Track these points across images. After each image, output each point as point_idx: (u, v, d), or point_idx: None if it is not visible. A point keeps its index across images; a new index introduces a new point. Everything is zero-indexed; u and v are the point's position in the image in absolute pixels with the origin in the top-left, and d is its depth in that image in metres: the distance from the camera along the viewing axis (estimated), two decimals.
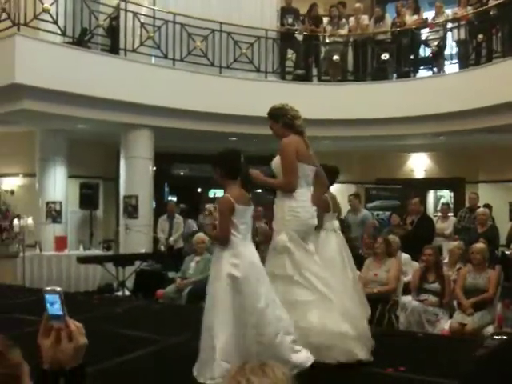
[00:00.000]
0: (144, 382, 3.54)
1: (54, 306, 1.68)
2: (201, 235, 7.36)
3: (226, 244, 3.40)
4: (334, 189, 12.85)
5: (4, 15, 8.05)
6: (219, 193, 13.63)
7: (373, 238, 6.76)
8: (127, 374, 3.62)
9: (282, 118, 3.96)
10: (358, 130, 9.93)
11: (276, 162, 3.84)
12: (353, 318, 3.66)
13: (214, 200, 11.49)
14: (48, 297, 1.70)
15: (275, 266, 3.61)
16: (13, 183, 11.12)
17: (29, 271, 8.84)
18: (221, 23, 9.56)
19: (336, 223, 4.53)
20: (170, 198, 12.73)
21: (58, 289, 1.64)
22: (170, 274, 7.90)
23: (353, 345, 3.58)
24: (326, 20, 10.80)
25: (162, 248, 9.39)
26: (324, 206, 4.26)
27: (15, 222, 8.72)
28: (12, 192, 10.55)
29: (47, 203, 10.47)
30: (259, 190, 9.06)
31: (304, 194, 3.69)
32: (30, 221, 8.69)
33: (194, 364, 3.45)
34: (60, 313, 1.67)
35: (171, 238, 9.48)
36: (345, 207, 9.07)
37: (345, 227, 7.99)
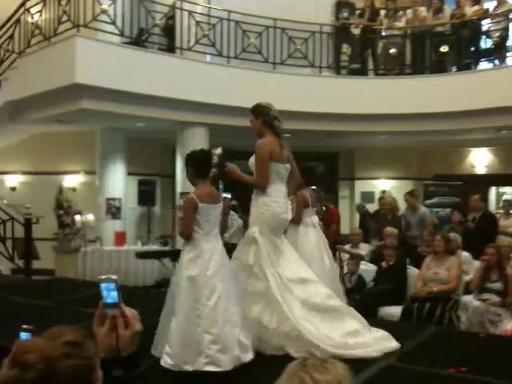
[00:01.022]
0: (195, 376, 3.56)
1: (110, 294, 1.70)
2: None
3: (189, 239, 3.68)
4: (391, 185, 12.72)
5: (64, 17, 8.33)
6: None
7: (432, 235, 6.57)
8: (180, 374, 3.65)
9: (263, 116, 4.16)
10: (416, 125, 9.68)
11: (251, 161, 4.07)
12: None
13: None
14: (103, 285, 1.73)
15: (241, 254, 3.88)
16: (74, 180, 11.51)
17: (90, 265, 9.13)
18: (275, 19, 9.53)
19: (315, 218, 4.66)
20: (224, 194, 12.83)
21: (114, 277, 1.66)
22: None
23: (283, 343, 3.67)
24: (382, 13, 10.59)
25: None
26: (303, 201, 4.56)
27: (77, 217, 9.01)
28: (74, 189, 10.93)
29: (107, 200, 10.78)
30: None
31: (277, 190, 3.90)
32: (90, 217, 8.96)
33: (249, 364, 3.55)
34: (115, 300, 1.70)
35: (226, 234, 9.54)
36: (402, 204, 8.89)
37: (404, 225, 7.83)
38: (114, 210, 10.79)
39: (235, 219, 9.86)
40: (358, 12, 10.59)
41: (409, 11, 10.32)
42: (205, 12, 9.48)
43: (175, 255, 8.50)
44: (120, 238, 9.99)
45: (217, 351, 3.41)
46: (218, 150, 4.23)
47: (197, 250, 3.65)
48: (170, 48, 9.30)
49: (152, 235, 11.11)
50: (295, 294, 3.79)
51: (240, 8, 9.41)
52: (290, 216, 3.99)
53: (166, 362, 3.43)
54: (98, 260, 9.46)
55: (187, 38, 9.09)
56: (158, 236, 11.19)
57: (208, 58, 9.66)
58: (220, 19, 9.31)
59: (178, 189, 9.75)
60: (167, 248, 10.10)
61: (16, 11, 9.24)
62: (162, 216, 12.07)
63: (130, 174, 11.19)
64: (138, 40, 8.88)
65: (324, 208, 10.61)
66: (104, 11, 8.18)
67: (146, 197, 11.21)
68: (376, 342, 3.83)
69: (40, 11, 8.93)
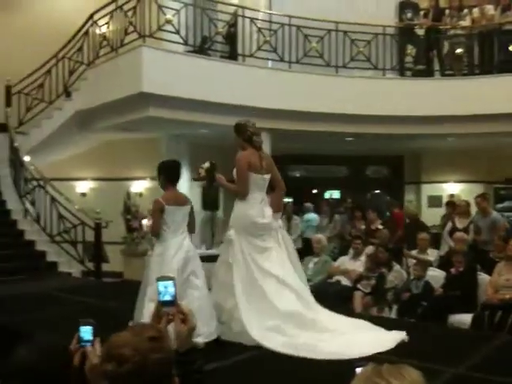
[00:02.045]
0: (256, 381, 3.56)
1: (167, 293, 1.78)
2: (317, 235, 7.32)
3: (157, 236, 4.28)
4: (459, 188, 12.30)
5: (131, 28, 8.60)
6: (335, 193, 13.53)
7: (504, 240, 6.29)
8: (240, 372, 3.67)
9: (242, 134, 4.47)
10: (486, 126, 9.32)
11: (234, 171, 4.50)
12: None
13: (329, 201, 11.38)
14: (161, 284, 1.80)
15: (221, 252, 4.50)
16: (141, 186, 11.83)
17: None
18: (337, 23, 9.46)
19: (280, 222, 4.83)
20: (285, 199, 12.82)
21: (171, 275, 1.73)
22: None
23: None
24: (447, 12, 10.30)
25: None
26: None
27: (144, 222, 9.25)
28: (140, 194, 11.23)
29: None
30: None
31: (255, 198, 4.34)
32: None
33: (306, 365, 3.56)
34: (172, 298, 1.77)
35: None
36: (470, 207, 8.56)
37: (474, 230, 7.54)
38: None
39: (297, 224, 9.84)
40: (422, 12, 10.35)
41: (475, 10, 9.98)
42: (266, 18, 9.54)
43: None
44: None
45: None
46: (206, 164, 4.65)
47: (163, 246, 4.22)
48: (232, 55, 9.41)
49: (216, 239, 11.24)
50: (265, 288, 4.17)
51: (301, 13, 9.41)
52: (266, 220, 4.33)
53: None
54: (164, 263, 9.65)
55: (249, 44, 9.17)
56: (221, 240, 11.28)
57: (270, 63, 9.70)
58: (281, 25, 9.34)
59: None
60: None
61: (84, 24, 9.64)
62: (225, 220, 12.19)
63: (194, 179, 11.37)
64: (202, 48, 9.04)
65: (388, 213, 10.45)
66: (168, 21, 8.38)
67: (209, 202, 11.36)
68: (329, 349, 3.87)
69: (107, 23, 9.28)
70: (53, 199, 8.70)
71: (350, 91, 9.23)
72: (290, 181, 13.52)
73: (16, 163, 9.27)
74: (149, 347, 1.43)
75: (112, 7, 9.03)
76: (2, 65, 10.28)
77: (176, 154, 11.09)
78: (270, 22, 9.44)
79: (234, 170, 4.47)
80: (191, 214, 4.47)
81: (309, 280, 6.84)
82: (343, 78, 9.51)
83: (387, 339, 4.08)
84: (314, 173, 13.78)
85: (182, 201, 4.40)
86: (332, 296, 6.32)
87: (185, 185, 11.10)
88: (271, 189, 4.60)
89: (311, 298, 4.46)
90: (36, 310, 5.13)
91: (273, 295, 4.15)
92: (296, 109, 9.03)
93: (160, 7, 8.42)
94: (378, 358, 3.56)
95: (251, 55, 9.17)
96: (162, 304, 1.80)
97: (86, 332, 1.93)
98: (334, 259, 7.49)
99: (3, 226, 8.75)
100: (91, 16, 9.50)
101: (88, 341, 1.91)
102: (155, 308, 1.84)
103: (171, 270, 4.00)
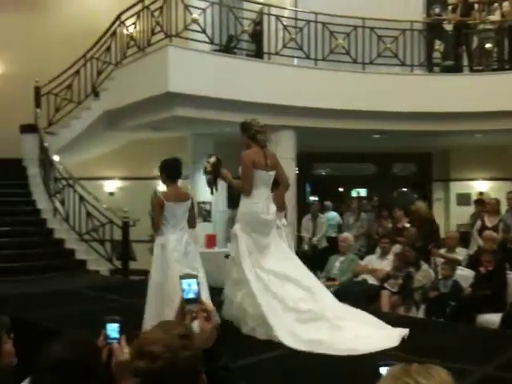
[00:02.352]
0: (281, 381, 3.55)
1: (191, 290, 1.79)
2: (343, 234, 7.28)
3: (158, 231, 4.45)
4: (488, 186, 12.07)
5: (157, 28, 8.67)
6: (362, 191, 13.42)
7: None
8: (265, 371, 3.67)
9: (247, 132, 4.55)
10: None
11: (239, 169, 4.58)
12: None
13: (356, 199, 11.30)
14: (184, 282, 1.81)
15: (230, 249, 4.56)
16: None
17: None
18: (363, 19, 9.38)
19: (284, 221, 5.05)
20: (311, 197, 12.79)
21: (195, 273, 1.74)
22: (316, 274, 7.89)
23: (254, 325, 4.13)
24: (476, 7, 10.11)
25: (306, 247, 9.43)
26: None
27: None
28: None
29: (198, 203, 11.06)
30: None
31: (259, 194, 4.40)
32: None
33: (333, 364, 3.53)
34: (195, 296, 1.78)
35: (315, 238, 9.50)
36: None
37: (503, 229, 7.40)
38: (204, 214, 11.07)
39: (323, 222, 9.79)
40: (450, 7, 10.18)
41: (505, 4, 9.77)
42: (292, 16, 9.51)
43: None
44: (211, 241, 10.21)
45: None
46: (212, 159, 4.71)
47: (163, 240, 4.41)
48: (257, 53, 9.41)
49: None
50: (271, 287, 4.23)
51: (327, 9, 9.35)
52: (270, 217, 4.42)
53: None
54: None
55: (275, 42, 9.16)
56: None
57: (295, 61, 9.67)
58: (307, 22, 9.30)
59: None
60: None
61: (112, 24, 9.76)
62: None
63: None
64: (228, 47, 9.06)
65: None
66: (195, 20, 8.43)
67: (234, 200, 11.36)
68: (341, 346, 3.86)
69: (134, 23, 9.37)
70: (81, 198, 8.83)
71: (377, 88, 9.14)
72: (316, 179, 13.56)
73: (46, 163, 9.43)
74: (179, 344, 1.46)
75: (139, 7, 9.12)
76: (31, 66, 10.47)
77: (201, 153, 11.16)
78: (296, 19, 9.42)
79: (240, 168, 4.55)
80: (191, 210, 4.61)
81: (334, 279, 6.83)
82: (370, 74, 9.43)
83: (393, 335, 4.07)
84: (340, 171, 13.71)
85: (182, 197, 4.56)
86: (358, 295, 6.28)
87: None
88: (275, 186, 4.65)
89: (314, 288, 4.45)
90: (65, 308, 5.22)
91: (278, 290, 4.24)
92: (322, 106, 8.99)
93: (186, 6, 8.47)
94: (403, 358, 3.53)
95: (277, 53, 9.16)
96: (186, 302, 1.81)
97: (113, 329, 1.95)
98: (361, 258, 7.43)
99: (33, 224, 8.92)
100: (118, 16, 9.61)
101: (114, 338, 1.94)
102: (179, 305, 1.85)
103: (170, 262, 4.29)
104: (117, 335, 1.96)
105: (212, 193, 4.83)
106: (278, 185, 4.66)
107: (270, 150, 4.57)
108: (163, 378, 1.42)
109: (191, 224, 4.62)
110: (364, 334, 4.02)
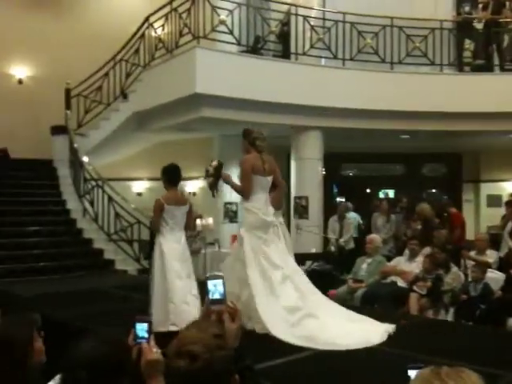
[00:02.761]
0: (304, 381, 3.53)
1: (216, 291, 1.79)
2: (371, 235, 7.21)
3: (158, 232, 4.74)
4: None
5: (185, 30, 8.73)
6: (390, 193, 13.27)
7: None
8: (300, 371, 3.65)
9: (247, 138, 4.74)
10: None
11: (239, 172, 4.83)
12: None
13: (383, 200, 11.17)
14: (210, 282, 1.82)
15: (238, 251, 4.68)
16: (195, 186, 11.99)
17: (209, 267, 9.44)
18: (391, 18, 9.28)
19: (281, 219, 5.09)
20: (338, 198, 12.70)
21: (221, 274, 1.75)
22: (343, 275, 7.84)
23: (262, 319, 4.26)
24: (507, 4, 9.91)
25: (333, 249, 9.37)
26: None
27: (197, 221, 9.36)
28: (194, 194, 11.39)
29: (225, 204, 11.11)
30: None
31: (259, 198, 4.62)
32: (210, 220, 9.27)
33: (359, 366, 3.51)
34: (221, 297, 1.78)
35: (342, 239, 9.42)
36: None
37: None
38: (231, 214, 11.10)
39: (351, 222, 9.71)
40: (480, 5, 10.00)
41: None
42: (319, 16, 9.47)
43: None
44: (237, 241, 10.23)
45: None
46: (214, 163, 4.94)
47: (162, 240, 4.70)
48: (285, 54, 9.39)
49: None
50: (274, 285, 4.44)
51: (355, 9, 9.28)
52: (269, 218, 4.63)
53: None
54: (216, 262, 9.75)
55: (302, 42, 9.13)
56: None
57: (323, 61, 9.63)
58: (335, 22, 9.24)
59: (293, 193, 9.80)
60: None
61: (140, 26, 9.86)
62: (285, 222, 12.19)
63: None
64: (255, 48, 9.07)
65: (446, 213, 10.12)
66: (222, 22, 8.46)
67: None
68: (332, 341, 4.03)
69: (162, 25, 9.45)
70: (110, 199, 8.94)
71: (405, 87, 9.03)
72: (343, 180, 13.46)
73: (75, 164, 9.58)
74: (215, 344, 1.48)
75: (167, 9, 9.19)
76: (62, 69, 10.66)
77: (229, 154, 11.17)
78: (324, 19, 9.37)
79: (238, 172, 4.82)
80: (189, 213, 4.90)
81: (362, 281, 6.77)
82: (399, 74, 9.32)
83: (380, 330, 4.24)
84: (368, 171, 13.58)
85: (181, 201, 4.85)
86: (386, 297, 6.21)
87: (238, 183, 11.20)
88: (273, 188, 4.86)
89: (308, 290, 4.71)
90: (93, 306, 5.29)
91: (278, 288, 4.45)
92: (349, 106, 8.93)
93: (214, 8, 8.51)
94: (432, 361, 3.46)
95: (304, 53, 9.12)
96: (212, 302, 1.82)
97: (142, 329, 1.97)
98: (389, 260, 7.35)
99: (63, 224, 9.07)
100: (147, 19, 9.71)
101: (143, 337, 1.96)
102: (205, 306, 1.86)
103: (168, 260, 4.62)
104: (146, 335, 1.98)
105: (214, 195, 5.05)
106: (275, 187, 4.88)
107: (267, 156, 4.77)
108: (200, 379, 1.44)
109: (190, 227, 4.98)
110: (349, 329, 4.22)
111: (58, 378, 2.17)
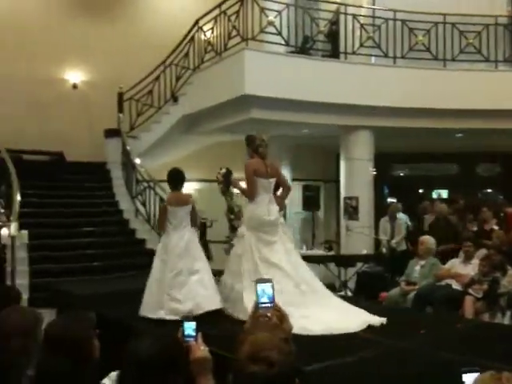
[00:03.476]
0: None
1: (264, 294, 1.79)
2: (423, 236, 7.05)
3: (163, 231, 5.15)
4: None
5: (234, 32, 8.78)
6: (443, 193, 12.94)
7: None
8: (344, 375, 3.60)
9: (251, 145, 5.11)
10: None
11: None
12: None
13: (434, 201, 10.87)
14: (259, 286, 1.82)
15: (236, 246, 4.99)
16: (243, 187, 12.02)
17: None
18: (444, 15, 9.06)
19: (281, 219, 5.35)
20: (389, 199, 12.48)
21: (269, 277, 1.74)
22: (396, 277, 7.70)
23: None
24: None
25: (384, 250, 9.20)
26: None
27: None
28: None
29: None
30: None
31: (262, 199, 4.95)
32: None
33: (416, 372, 3.40)
34: (269, 300, 1.78)
35: (393, 241, 9.25)
36: None
37: None
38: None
39: (401, 224, 9.51)
40: None
41: None
42: (369, 14, 9.34)
43: (340, 260, 8.48)
44: None
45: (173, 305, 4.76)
46: (223, 171, 5.46)
47: (167, 238, 5.06)
48: (334, 53, 9.32)
49: (316, 240, 11.19)
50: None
51: (406, 6, 9.11)
52: (272, 217, 4.93)
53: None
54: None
55: (351, 41, 9.03)
56: (322, 241, 11.25)
57: (373, 60, 9.49)
58: (385, 20, 9.10)
59: (343, 193, 9.70)
60: (332, 253, 10.09)
61: (190, 30, 9.99)
62: (326, 221, 12.11)
63: (294, 179, 11.41)
64: (303, 48, 9.03)
65: (502, 214, 9.79)
66: (271, 23, 8.47)
67: (310, 202, 11.34)
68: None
69: (211, 28, 9.55)
70: (162, 200, 9.08)
71: (459, 85, 8.80)
72: (394, 180, 13.21)
73: (128, 166, 9.80)
74: (287, 350, 1.50)
75: (216, 12, 9.28)
76: (114, 73, 10.93)
77: (276, 155, 11.16)
78: (374, 17, 9.24)
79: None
80: (193, 212, 5.22)
81: (415, 283, 6.62)
82: (452, 71, 9.10)
83: (370, 320, 4.52)
84: (420, 171, 13.28)
85: (183, 201, 5.19)
86: (440, 299, 6.06)
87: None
88: (277, 189, 5.22)
89: (312, 288, 4.84)
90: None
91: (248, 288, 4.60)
92: (401, 105, 8.78)
93: (262, 10, 8.52)
94: (489, 366, 3.34)
95: (354, 52, 9.02)
96: (260, 305, 1.82)
97: (190, 327, 2.00)
98: (443, 262, 7.15)
99: (116, 225, 9.28)
100: (196, 22, 9.83)
101: (191, 336, 1.98)
102: (253, 309, 1.86)
103: (171, 256, 4.97)
104: (193, 333, 2.01)
105: (227, 200, 5.51)
106: (277, 189, 5.23)
107: (269, 160, 5.15)
108: (276, 382, 1.44)
109: (193, 223, 5.26)
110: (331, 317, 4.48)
111: (112, 375, 2.22)
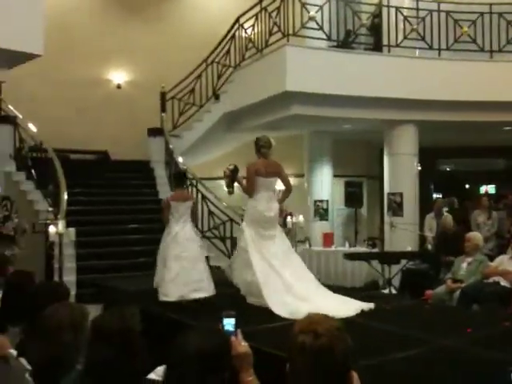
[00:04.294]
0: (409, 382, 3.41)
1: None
2: (470, 233, 6.87)
3: (167, 223, 5.89)
4: None
5: (275, 28, 8.76)
6: (490, 188, 12.59)
7: None
8: (392, 372, 3.54)
9: (256, 146, 5.64)
10: None
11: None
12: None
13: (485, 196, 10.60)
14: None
15: (239, 240, 5.60)
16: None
17: None
18: (490, 4, 8.79)
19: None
20: (435, 195, 12.23)
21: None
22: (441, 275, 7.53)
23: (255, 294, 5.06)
24: None
25: (430, 247, 9.01)
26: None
27: (288, 219, 9.38)
28: None
29: (315, 201, 11.06)
30: None
31: (261, 196, 5.37)
32: (300, 218, 9.25)
33: (463, 372, 3.35)
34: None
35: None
36: None
37: None
38: (321, 212, 11.03)
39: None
40: None
41: None
42: (413, 6, 9.15)
43: (384, 257, 8.34)
44: (328, 239, 10.15)
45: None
46: (231, 167, 5.79)
47: (170, 229, 5.82)
48: (376, 47, 9.18)
49: (359, 237, 11.06)
50: (272, 265, 5.16)
51: None
52: (272, 213, 5.34)
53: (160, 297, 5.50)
54: (307, 260, 9.70)
55: (395, 34, 8.87)
56: (365, 238, 11.11)
57: (417, 52, 9.30)
58: (429, 11, 8.90)
59: (386, 189, 9.55)
60: (375, 250, 9.95)
61: (231, 28, 10.03)
62: (369, 218, 11.96)
63: (336, 175, 11.32)
64: (345, 42, 8.93)
65: None
66: (312, 18, 8.40)
67: (352, 198, 11.22)
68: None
69: (252, 25, 9.55)
70: (203, 197, 9.16)
71: (506, 76, 8.54)
72: (440, 175, 12.93)
73: (171, 164, 9.91)
74: (337, 334, 1.63)
75: (257, 9, 9.28)
76: (157, 73, 11.08)
77: (318, 151, 11.14)
78: (417, 9, 9.04)
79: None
80: (193, 207, 6.08)
81: (461, 281, 6.45)
82: (499, 63, 8.84)
83: (356, 306, 4.84)
84: (466, 166, 12.96)
85: (184, 198, 5.98)
86: (488, 297, 5.88)
87: (327, 181, 11.13)
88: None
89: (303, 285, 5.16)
90: (188, 301, 5.43)
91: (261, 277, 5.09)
92: (446, 98, 8.58)
93: (303, 5, 8.47)
94: None
95: (397, 45, 8.86)
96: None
97: (229, 323, 2.03)
98: (491, 259, 6.95)
99: (160, 222, 9.39)
100: (237, 19, 9.86)
101: (231, 331, 2.01)
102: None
103: (172, 243, 5.68)
104: (233, 329, 2.03)
105: (229, 193, 5.90)
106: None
107: (272, 161, 5.57)
108: (321, 356, 1.57)
109: (193, 218, 6.06)
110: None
111: (158, 370, 2.25)
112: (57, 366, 2.26)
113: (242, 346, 2.04)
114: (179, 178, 6.45)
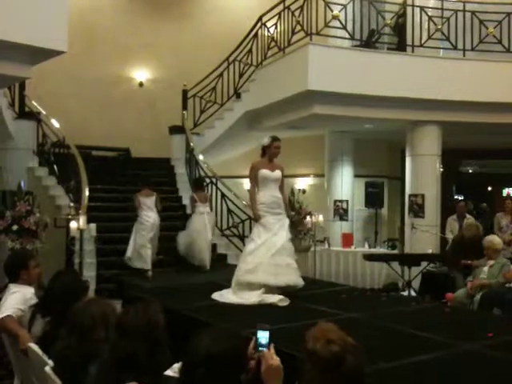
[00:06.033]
0: None
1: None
2: (488, 237, 6.77)
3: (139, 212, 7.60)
4: None
5: (298, 27, 8.72)
6: None
7: None
8: (412, 376, 3.50)
9: (262, 146, 5.94)
10: None
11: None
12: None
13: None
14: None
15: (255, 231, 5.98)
16: (304, 183, 11.99)
17: (319, 265, 9.40)
18: None
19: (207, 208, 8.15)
20: (457, 196, 12.07)
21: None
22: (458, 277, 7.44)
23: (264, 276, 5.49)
24: None
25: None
26: (194, 200, 8.09)
27: (307, 218, 9.35)
28: (304, 191, 11.38)
29: (335, 202, 11.00)
30: None
31: (269, 187, 5.84)
32: (320, 218, 9.21)
33: (488, 373, 3.29)
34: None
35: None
36: None
37: None
38: (341, 212, 10.97)
39: None
40: None
41: None
42: (437, 6, 9.04)
43: (404, 259, 8.26)
44: (347, 240, 10.09)
45: None
46: None
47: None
48: (400, 46, 9.09)
49: (379, 237, 10.97)
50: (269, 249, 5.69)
51: None
52: (278, 195, 5.83)
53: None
54: (326, 260, 9.69)
55: (419, 34, 8.77)
56: (385, 239, 11.02)
57: (441, 52, 9.19)
58: (454, 11, 8.78)
59: (408, 190, 9.45)
60: (395, 251, 9.86)
61: (254, 26, 10.01)
62: (389, 219, 11.85)
63: (356, 176, 11.24)
64: (369, 41, 8.86)
65: None
66: (335, 17, 8.35)
67: (373, 199, 11.13)
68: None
69: (275, 24, 9.52)
70: (223, 195, 9.17)
71: None
72: (462, 177, 12.76)
73: (191, 162, 9.95)
74: (349, 346, 1.65)
75: (280, 8, 9.25)
76: (178, 71, 11.14)
77: (339, 151, 11.08)
78: (442, 9, 8.93)
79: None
80: (156, 201, 7.80)
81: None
82: None
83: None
84: (490, 168, 12.78)
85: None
86: (509, 302, 5.79)
87: (348, 181, 11.06)
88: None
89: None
90: (207, 299, 5.45)
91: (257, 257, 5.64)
92: (470, 99, 8.46)
93: (327, 4, 8.42)
94: None
95: (421, 45, 8.76)
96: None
97: (263, 336, 2.03)
98: None
99: (180, 219, 9.42)
100: (260, 18, 9.84)
101: (264, 345, 2.01)
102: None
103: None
104: (266, 342, 2.04)
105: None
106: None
107: (276, 163, 5.91)
108: (331, 365, 1.59)
109: (157, 209, 7.75)
110: None
111: (175, 367, 2.25)
112: (88, 361, 2.29)
113: (273, 359, 2.02)
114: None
